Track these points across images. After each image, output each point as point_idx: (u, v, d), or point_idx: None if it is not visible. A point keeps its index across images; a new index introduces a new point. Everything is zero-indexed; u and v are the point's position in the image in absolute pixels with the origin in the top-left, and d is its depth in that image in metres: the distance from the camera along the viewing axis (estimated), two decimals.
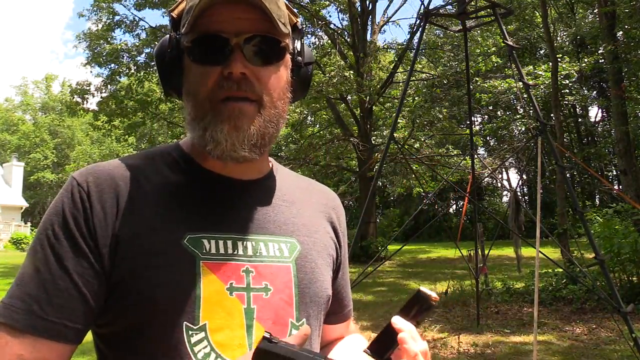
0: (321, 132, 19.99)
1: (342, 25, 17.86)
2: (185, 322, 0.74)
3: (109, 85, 17.14)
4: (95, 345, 0.81)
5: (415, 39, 14.31)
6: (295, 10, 0.89)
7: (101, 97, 16.93)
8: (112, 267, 0.74)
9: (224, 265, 0.78)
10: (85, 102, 17.25)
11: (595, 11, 13.59)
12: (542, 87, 11.77)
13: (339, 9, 17.40)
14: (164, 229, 0.77)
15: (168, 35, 0.84)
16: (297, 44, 0.87)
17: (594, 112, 26.18)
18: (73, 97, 17.35)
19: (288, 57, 0.84)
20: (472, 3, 5.94)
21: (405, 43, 15.93)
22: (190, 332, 0.74)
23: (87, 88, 17.07)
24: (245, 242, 0.81)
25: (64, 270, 0.72)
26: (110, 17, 16.94)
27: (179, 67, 0.82)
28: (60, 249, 0.73)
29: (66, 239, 0.74)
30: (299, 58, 0.87)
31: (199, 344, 0.74)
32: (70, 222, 0.74)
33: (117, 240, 0.75)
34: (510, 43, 5.06)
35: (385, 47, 18.96)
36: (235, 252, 0.80)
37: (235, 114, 0.77)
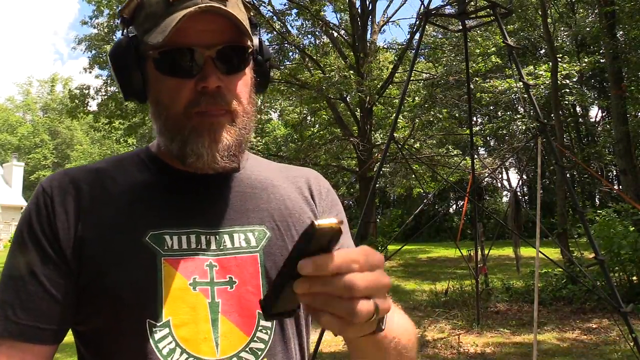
0: (321, 132, 19.96)
1: (338, 22, 17.85)
2: (148, 320, 0.75)
3: (109, 87, 17.14)
4: (75, 343, 0.83)
5: (415, 39, 14.31)
6: (248, 4, 0.88)
7: (101, 99, 16.93)
8: (79, 268, 0.77)
9: (187, 260, 0.79)
10: (85, 106, 17.23)
11: (595, 11, 13.60)
12: (542, 87, 11.77)
13: (335, 10, 17.38)
14: (126, 228, 0.79)
15: (124, 38, 0.82)
16: (256, 40, 0.87)
17: (594, 112, 26.18)
18: (73, 101, 17.34)
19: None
20: (472, 3, 5.95)
21: (405, 43, 15.93)
22: (153, 329, 0.75)
23: (87, 92, 17.07)
24: (208, 236, 0.81)
25: (33, 275, 0.75)
26: (112, 23, 16.93)
27: (140, 72, 0.82)
28: (28, 254, 0.76)
29: (33, 244, 0.77)
30: (259, 57, 0.88)
31: (163, 340, 0.75)
32: (36, 228, 0.77)
33: (81, 241, 0.77)
34: (510, 43, 5.06)
35: (385, 47, 18.96)
36: (199, 247, 0.80)
37: (214, 127, 0.78)
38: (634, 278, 7.88)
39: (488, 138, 22.85)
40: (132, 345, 0.75)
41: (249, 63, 0.83)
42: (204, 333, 0.76)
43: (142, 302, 0.75)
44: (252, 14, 0.88)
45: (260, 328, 0.80)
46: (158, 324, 0.75)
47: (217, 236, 0.82)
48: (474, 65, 13.38)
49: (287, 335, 0.83)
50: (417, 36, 12.75)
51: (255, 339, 0.79)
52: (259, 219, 0.86)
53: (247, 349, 0.78)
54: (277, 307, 0.56)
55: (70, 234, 0.77)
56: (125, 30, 0.84)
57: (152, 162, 0.87)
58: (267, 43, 0.94)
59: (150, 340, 0.75)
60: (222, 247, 0.82)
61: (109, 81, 17.10)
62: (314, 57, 16.21)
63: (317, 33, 17.16)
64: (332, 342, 6.28)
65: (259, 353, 0.79)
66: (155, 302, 0.76)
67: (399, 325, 0.77)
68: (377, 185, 16.77)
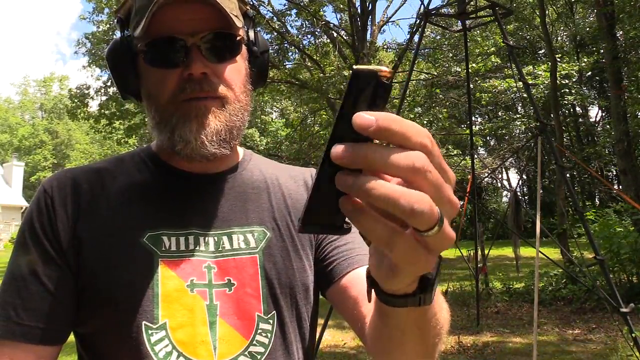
0: (321, 132, 19.97)
1: (338, 22, 17.85)
2: (144, 322, 0.74)
3: (109, 88, 17.13)
4: (76, 345, 0.82)
5: (415, 39, 14.31)
6: None
7: (101, 100, 16.92)
8: (78, 269, 0.76)
9: (184, 262, 0.78)
10: (85, 106, 17.21)
11: (594, 11, 13.60)
12: (542, 87, 11.77)
13: (335, 10, 17.38)
14: (123, 228, 0.78)
15: (119, 38, 0.83)
16: (251, 33, 0.86)
17: (594, 112, 26.20)
18: (73, 102, 17.31)
19: (244, 48, 0.84)
20: (472, 3, 5.95)
21: (405, 43, 15.92)
22: (149, 332, 0.74)
23: (87, 92, 17.05)
24: (207, 237, 0.80)
25: (34, 275, 0.75)
26: (112, 22, 16.93)
27: (134, 70, 0.82)
28: (29, 255, 0.76)
29: (34, 244, 0.76)
30: (255, 48, 0.86)
31: (160, 343, 0.74)
32: (37, 228, 0.77)
33: (79, 241, 0.77)
34: (510, 43, 5.06)
35: (385, 46, 18.96)
36: (197, 248, 0.79)
37: (201, 111, 0.76)
38: (634, 278, 7.88)
39: (488, 138, 22.86)
40: (127, 348, 0.74)
41: (238, 51, 0.82)
42: (201, 336, 0.75)
43: (138, 303, 0.74)
44: (247, 8, 0.87)
45: (259, 331, 0.78)
46: (154, 326, 0.74)
47: (216, 237, 0.81)
48: (473, 65, 13.38)
49: (288, 339, 0.81)
50: (417, 36, 12.75)
51: (254, 342, 0.78)
52: (259, 219, 0.85)
53: (246, 352, 0.77)
54: (315, 217, 0.41)
55: (70, 234, 0.77)
56: (122, 31, 0.84)
57: (152, 161, 0.86)
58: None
59: (146, 343, 0.73)
60: (220, 249, 0.80)
61: (109, 82, 17.09)
62: (314, 57, 16.22)
63: (317, 33, 17.16)
64: (332, 342, 6.28)
65: (258, 357, 0.77)
66: (151, 304, 0.74)
67: (439, 298, 0.58)
68: None
